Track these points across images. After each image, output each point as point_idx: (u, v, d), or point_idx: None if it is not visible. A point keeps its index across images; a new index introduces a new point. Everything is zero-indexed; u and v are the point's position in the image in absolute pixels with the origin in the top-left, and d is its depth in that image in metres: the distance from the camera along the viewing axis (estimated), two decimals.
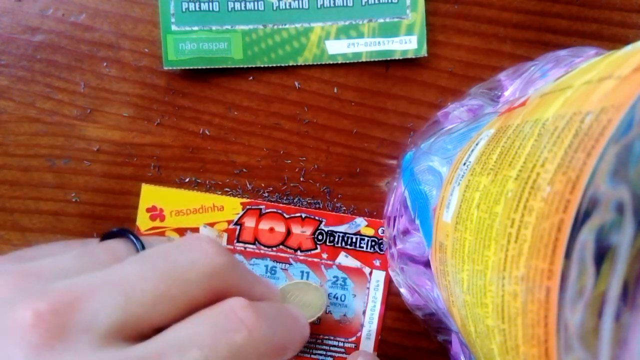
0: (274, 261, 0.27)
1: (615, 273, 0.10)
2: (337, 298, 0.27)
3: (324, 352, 0.27)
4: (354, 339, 0.27)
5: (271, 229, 0.27)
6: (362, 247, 0.27)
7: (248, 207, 0.27)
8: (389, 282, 0.27)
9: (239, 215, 0.27)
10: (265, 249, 0.27)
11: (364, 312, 0.27)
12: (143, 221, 0.27)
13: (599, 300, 0.10)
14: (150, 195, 0.27)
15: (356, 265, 0.27)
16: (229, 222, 0.27)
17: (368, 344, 0.27)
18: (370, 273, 0.27)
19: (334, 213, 0.27)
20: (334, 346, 0.27)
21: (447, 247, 0.18)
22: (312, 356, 0.27)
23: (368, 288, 0.27)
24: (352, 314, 0.27)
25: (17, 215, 0.27)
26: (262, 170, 0.27)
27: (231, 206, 0.27)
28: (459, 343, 0.22)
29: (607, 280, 0.10)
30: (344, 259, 0.27)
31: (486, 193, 0.15)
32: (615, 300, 0.10)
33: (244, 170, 0.27)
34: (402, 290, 0.26)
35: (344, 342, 0.27)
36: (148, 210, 0.26)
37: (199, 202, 0.27)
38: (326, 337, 0.27)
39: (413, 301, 0.25)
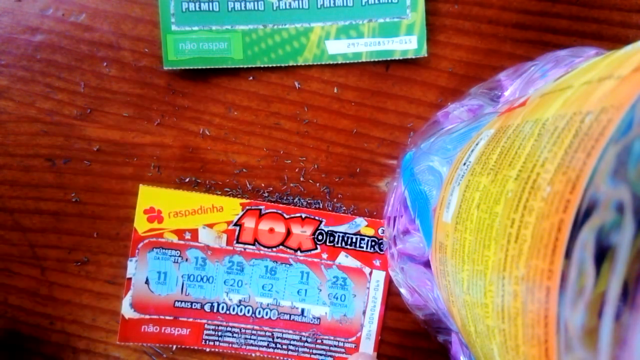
0: (273, 262, 0.27)
1: (615, 273, 0.10)
2: (337, 298, 0.27)
3: (324, 352, 0.27)
4: (354, 339, 0.27)
5: (271, 230, 0.27)
6: (362, 247, 0.27)
7: (248, 207, 0.27)
8: (389, 282, 0.27)
9: (239, 216, 0.27)
10: (265, 249, 0.27)
11: (364, 312, 0.27)
12: (141, 223, 0.26)
13: (599, 300, 0.10)
14: (148, 196, 0.27)
15: (356, 266, 0.27)
16: (229, 223, 0.27)
17: (368, 344, 0.27)
18: (370, 273, 0.27)
19: (334, 213, 0.27)
20: (334, 346, 0.27)
21: (447, 247, 0.18)
22: (312, 356, 0.27)
23: (368, 288, 0.27)
24: (352, 314, 0.27)
25: (17, 215, 0.27)
26: (262, 170, 0.27)
27: (231, 207, 0.27)
28: (459, 343, 0.22)
29: (607, 280, 0.10)
30: (344, 259, 0.27)
31: (486, 193, 0.15)
32: (615, 300, 0.10)
33: (244, 170, 0.27)
34: (402, 290, 0.26)
35: (344, 342, 0.27)
36: (146, 211, 0.26)
37: (198, 203, 0.27)
38: (326, 337, 0.27)
39: (413, 301, 0.25)
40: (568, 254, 0.11)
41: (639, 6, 0.26)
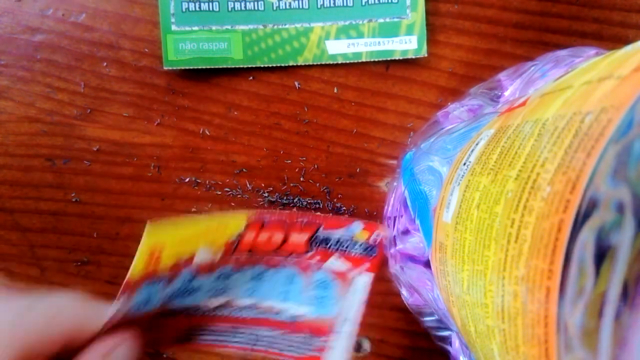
0: (264, 266, 0.26)
1: (615, 273, 0.10)
2: (321, 299, 0.27)
3: (302, 348, 0.26)
4: (330, 337, 0.26)
5: (269, 238, 0.26)
6: (353, 251, 0.27)
7: (252, 222, 0.25)
8: (373, 284, 0.27)
9: (240, 232, 0.25)
10: (258, 257, 0.27)
11: (345, 314, 0.26)
12: (138, 267, 0.21)
13: (599, 300, 0.10)
14: (155, 235, 0.21)
15: (344, 268, 0.27)
16: (229, 238, 0.25)
17: (346, 344, 0.26)
18: (358, 275, 0.27)
19: (334, 216, 0.27)
20: (310, 344, 0.26)
21: (447, 247, 0.18)
22: (291, 352, 0.26)
23: (353, 290, 0.27)
24: (333, 314, 0.26)
25: (17, 215, 0.27)
26: (262, 170, 0.27)
27: (236, 224, 0.25)
28: (459, 343, 0.22)
29: (607, 280, 0.10)
30: (334, 261, 0.27)
31: (486, 193, 0.15)
32: (615, 300, 0.10)
33: (244, 170, 0.27)
34: (402, 290, 0.26)
35: (321, 342, 0.26)
36: (149, 254, 0.21)
37: (205, 227, 0.23)
38: (304, 335, 0.26)
39: (413, 301, 0.25)
40: (568, 254, 0.11)
41: (639, 6, 0.26)
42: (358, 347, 0.27)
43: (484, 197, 0.15)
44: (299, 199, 0.27)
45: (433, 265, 0.20)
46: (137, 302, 0.25)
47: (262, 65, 0.26)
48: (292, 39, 0.26)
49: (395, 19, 0.26)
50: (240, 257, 0.26)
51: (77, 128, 0.27)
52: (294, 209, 0.27)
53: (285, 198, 0.27)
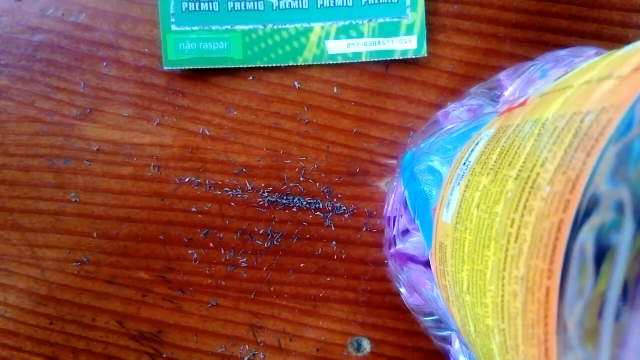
0: None
1: (615, 273, 0.10)
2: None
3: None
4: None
5: None
6: None
7: None
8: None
9: None
10: None
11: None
12: None
13: (599, 300, 0.10)
14: None
15: None
16: None
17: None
18: None
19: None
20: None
21: (447, 247, 0.18)
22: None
23: None
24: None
25: (17, 215, 0.27)
26: (262, 170, 0.27)
27: None
28: (459, 343, 0.22)
29: (607, 280, 0.10)
30: None
31: (486, 193, 0.15)
32: (615, 300, 0.10)
33: (244, 170, 0.27)
34: (402, 290, 0.26)
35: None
36: None
37: None
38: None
39: (413, 301, 0.25)
40: (568, 254, 0.11)
41: (639, 6, 0.26)
42: (358, 347, 0.27)
43: (484, 197, 0.15)
44: (299, 199, 0.27)
45: (433, 265, 0.20)
46: None
47: (262, 65, 0.26)
48: (292, 39, 0.26)
49: (395, 19, 0.26)
50: None
51: (77, 128, 0.27)
52: (294, 209, 0.27)
53: (285, 198, 0.27)
